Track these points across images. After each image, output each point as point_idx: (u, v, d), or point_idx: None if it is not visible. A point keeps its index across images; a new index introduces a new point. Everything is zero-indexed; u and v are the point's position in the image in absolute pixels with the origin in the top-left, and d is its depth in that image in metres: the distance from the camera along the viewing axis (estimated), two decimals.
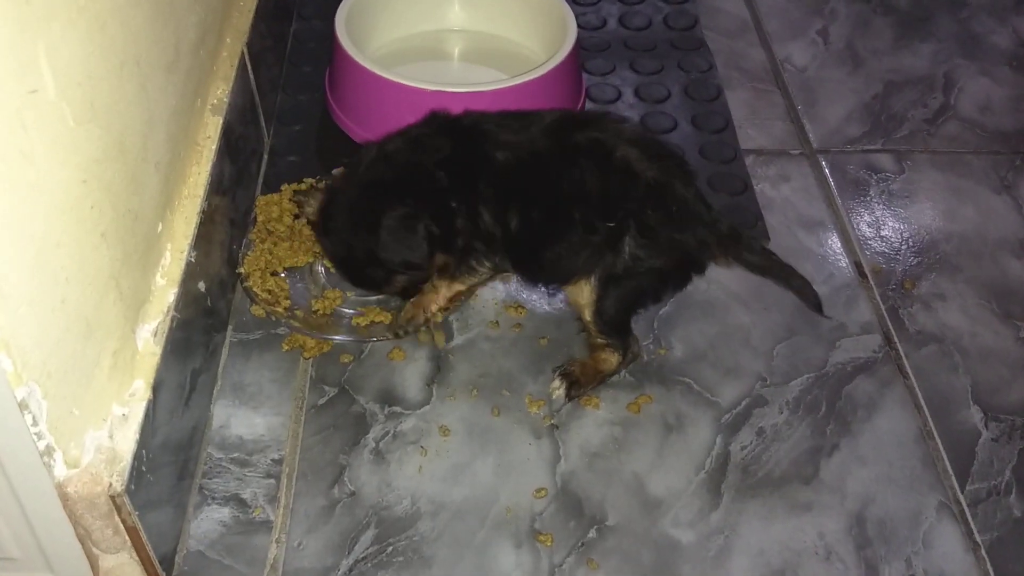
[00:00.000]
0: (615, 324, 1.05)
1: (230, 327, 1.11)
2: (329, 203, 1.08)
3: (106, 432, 0.80)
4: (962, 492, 1.00)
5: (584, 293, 1.04)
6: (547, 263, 1.04)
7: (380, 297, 1.16)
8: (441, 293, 1.08)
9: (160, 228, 0.94)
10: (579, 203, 0.99)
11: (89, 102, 0.76)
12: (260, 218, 1.20)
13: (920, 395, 1.09)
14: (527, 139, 1.02)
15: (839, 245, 1.26)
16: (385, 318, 1.13)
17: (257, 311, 1.12)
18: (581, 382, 1.08)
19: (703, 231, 1.02)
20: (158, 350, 0.87)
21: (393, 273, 1.06)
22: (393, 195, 1.00)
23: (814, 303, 1.10)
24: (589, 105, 1.45)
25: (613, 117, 1.06)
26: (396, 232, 1.00)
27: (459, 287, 1.09)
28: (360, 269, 1.07)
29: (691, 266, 1.05)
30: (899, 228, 1.29)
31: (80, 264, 0.75)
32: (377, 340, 1.12)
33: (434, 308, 1.09)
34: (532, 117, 1.05)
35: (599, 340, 1.06)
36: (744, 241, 1.06)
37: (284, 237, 1.19)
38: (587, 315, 1.05)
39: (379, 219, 1.00)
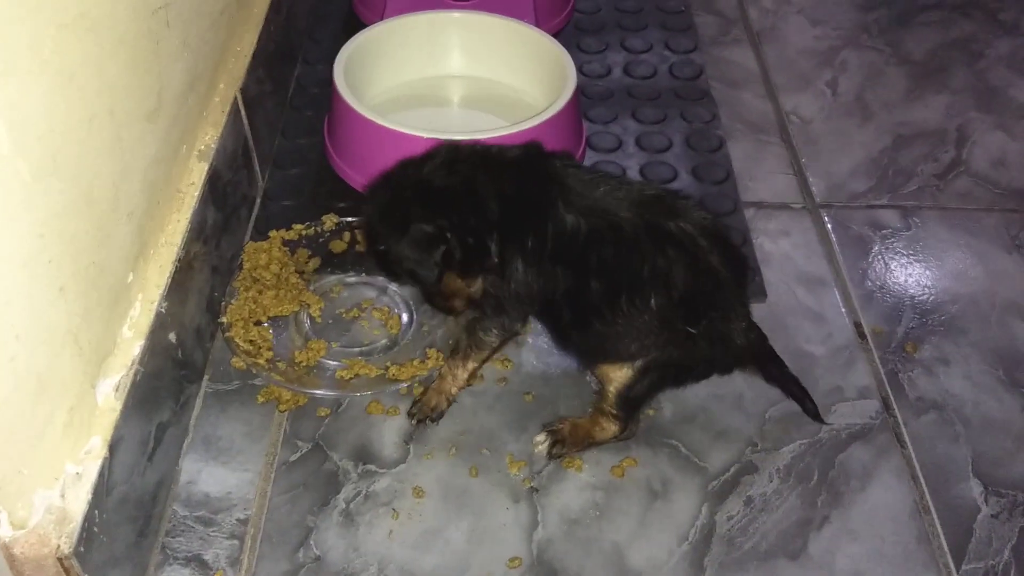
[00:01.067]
0: (634, 403, 1.02)
1: (207, 377, 1.09)
2: (392, 177, 1.00)
3: (57, 491, 0.78)
4: (957, 572, 0.95)
5: (621, 374, 0.99)
6: (595, 336, 0.99)
7: (364, 349, 1.14)
8: (459, 375, 1.06)
9: (131, 278, 0.92)
10: (660, 294, 0.94)
11: (50, 156, 0.75)
12: (247, 265, 1.18)
13: (917, 466, 1.05)
14: (609, 208, 0.95)
15: (839, 304, 1.22)
16: (370, 370, 1.11)
17: (238, 363, 1.10)
18: (567, 442, 1.05)
19: (746, 342, 0.99)
20: (118, 405, 0.85)
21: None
22: (432, 208, 0.95)
23: (812, 411, 1.06)
24: (589, 153, 1.43)
25: (699, 207, 1.00)
26: (414, 246, 0.95)
27: (473, 365, 1.05)
28: (376, 247, 1.01)
29: (720, 367, 1.03)
30: (903, 288, 1.25)
31: (34, 320, 0.73)
32: (360, 394, 1.09)
33: (455, 391, 1.07)
34: (623, 184, 0.98)
35: (610, 410, 1.03)
36: (768, 352, 1.04)
37: (270, 285, 1.17)
38: (612, 389, 1.01)
39: (408, 225, 0.95)
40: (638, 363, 0.99)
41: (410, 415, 1.07)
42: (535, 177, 0.97)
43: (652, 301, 0.94)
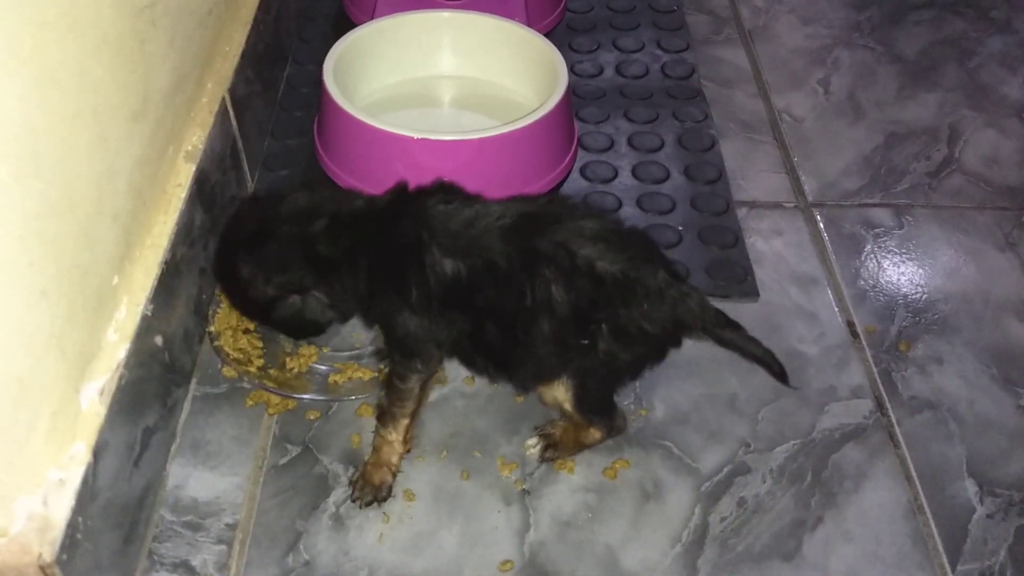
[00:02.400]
0: (598, 409, 1.01)
1: (194, 380, 1.08)
2: (271, 223, 0.95)
3: (40, 498, 0.76)
4: (953, 573, 0.95)
5: (559, 392, 0.98)
6: (510, 366, 0.98)
7: (354, 352, 1.13)
8: (395, 440, 0.99)
9: (116, 281, 0.91)
10: (548, 316, 0.92)
11: (30, 157, 0.73)
12: None
13: (911, 466, 1.04)
14: (484, 244, 0.92)
15: (831, 303, 1.21)
16: (364, 373, 1.09)
17: (228, 372, 1.08)
18: (559, 446, 1.04)
19: (677, 313, 0.95)
20: (103, 410, 0.83)
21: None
22: (325, 278, 0.95)
23: (779, 373, 1.02)
24: (581, 154, 1.42)
25: (573, 209, 0.98)
26: (309, 311, 0.97)
27: (404, 422, 0.99)
28: (248, 291, 0.97)
29: (668, 343, 1.00)
30: (895, 287, 1.24)
31: (14, 324, 0.72)
32: (356, 399, 1.08)
33: (396, 460, 0.99)
34: (492, 212, 0.94)
35: (583, 422, 1.02)
36: (713, 315, 0.98)
37: None
38: (567, 407, 0.99)
39: (304, 290, 0.95)
40: (565, 380, 0.97)
41: (354, 500, 0.98)
42: (407, 226, 0.93)
43: (544, 327, 0.92)
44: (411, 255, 0.92)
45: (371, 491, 0.98)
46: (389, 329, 0.96)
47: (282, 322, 0.99)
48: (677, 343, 1.01)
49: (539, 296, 0.91)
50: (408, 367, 0.97)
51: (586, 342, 0.94)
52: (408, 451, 1.01)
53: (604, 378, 0.98)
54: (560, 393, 0.99)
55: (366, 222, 0.95)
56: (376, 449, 1.00)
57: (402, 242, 0.92)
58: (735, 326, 1.00)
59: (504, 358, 0.97)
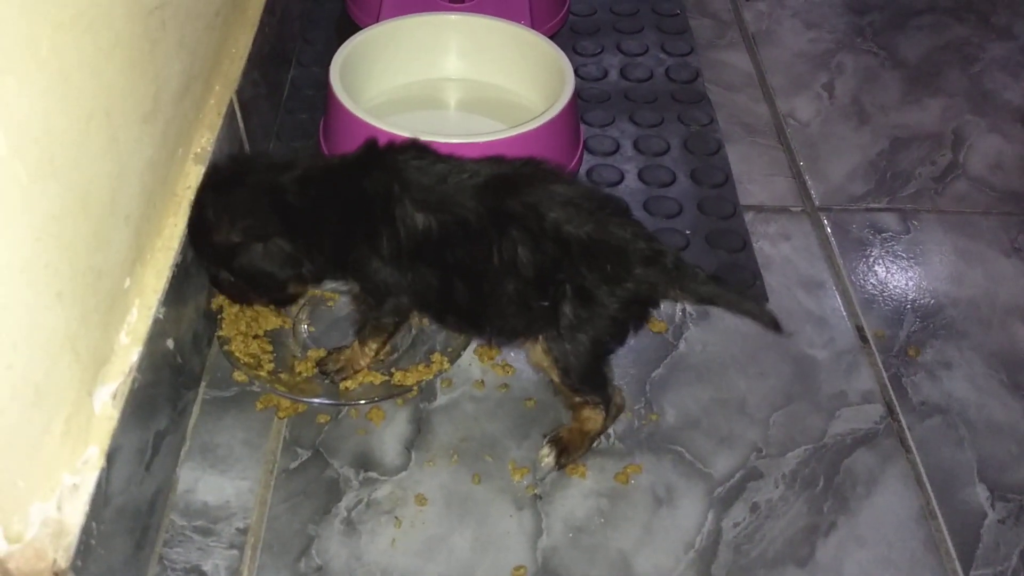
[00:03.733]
0: (586, 378, 0.99)
1: (203, 383, 1.07)
2: (244, 170, 0.98)
3: (54, 504, 0.75)
4: None
5: (538, 353, 0.98)
6: (482, 322, 1.00)
7: None
8: (367, 353, 1.07)
9: (128, 283, 0.90)
10: (513, 277, 0.93)
11: (48, 158, 0.73)
12: None
13: (923, 471, 1.04)
14: (456, 200, 0.93)
15: (840, 308, 1.22)
16: (374, 378, 1.09)
17: (240, 376, 1.08)
18: (570, 448, 1.03)
19: (646, 274, 0.94)
20: (116, 414, 0.83)
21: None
22: (290, 226, 0.95)
23: (771, 324, 1.00)
24: (587, 157, 1.42)
25: (546, 173, 0.97)
26: (269, 259, 0.96)
27: (375, 345, 1.06)
28: (210, 238, 0.98)
29: (643, 303, 0.99)
30: (903, 291, 1.25)
31: (30, 327, 0.71)
32: (366, 403, 1.07)
33: (364, 363, 1.07)
34: (466, 170, 0.95)
35: (576, 399, 1.01)
36: (690, 272, 0.97)
37: None
38: (554, 376, 0.99)
39: (267, 237, 0.95)
40: (542, 342, 0.97)
41: (319, 364, 1.09)
42: (378, 178, 0.95)
43: (509, 287, 0.94)
44: (382, 206, 0.93)
45: (331, 368, 1.08)
46: (362, 278, 0.99)
47: (243, 270, 0.98)
48: (655, 304, 1.01)
49: (506, 257, 0.92)
50: (385, 309, 1.01)
51: (546, 304, 0.94)
52: (381, 360, 1.10)
53: (583, 342, 0.96)
54: (540, 356, 0.98)
55: (337, 175, 0.97)
56: (352, 350, 1.07)
57: (374, 193, 0.94)
58: (717, 280, 0.99)
59: (472, 315, 0.99)
